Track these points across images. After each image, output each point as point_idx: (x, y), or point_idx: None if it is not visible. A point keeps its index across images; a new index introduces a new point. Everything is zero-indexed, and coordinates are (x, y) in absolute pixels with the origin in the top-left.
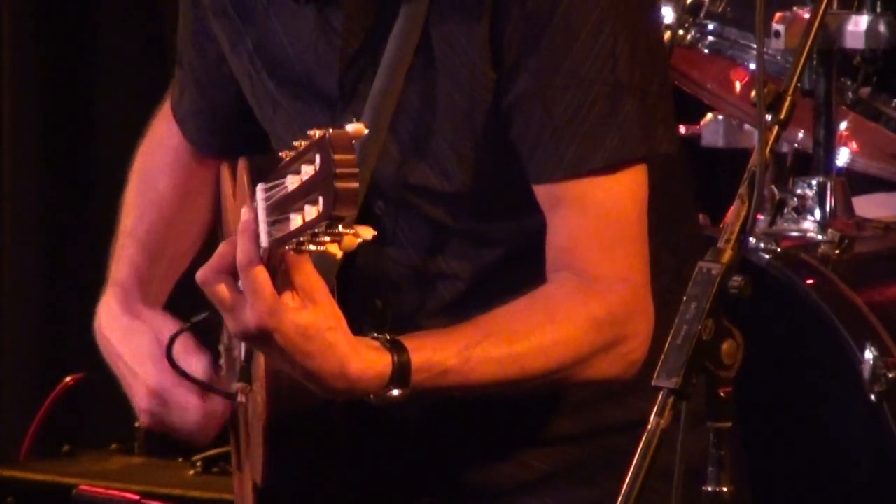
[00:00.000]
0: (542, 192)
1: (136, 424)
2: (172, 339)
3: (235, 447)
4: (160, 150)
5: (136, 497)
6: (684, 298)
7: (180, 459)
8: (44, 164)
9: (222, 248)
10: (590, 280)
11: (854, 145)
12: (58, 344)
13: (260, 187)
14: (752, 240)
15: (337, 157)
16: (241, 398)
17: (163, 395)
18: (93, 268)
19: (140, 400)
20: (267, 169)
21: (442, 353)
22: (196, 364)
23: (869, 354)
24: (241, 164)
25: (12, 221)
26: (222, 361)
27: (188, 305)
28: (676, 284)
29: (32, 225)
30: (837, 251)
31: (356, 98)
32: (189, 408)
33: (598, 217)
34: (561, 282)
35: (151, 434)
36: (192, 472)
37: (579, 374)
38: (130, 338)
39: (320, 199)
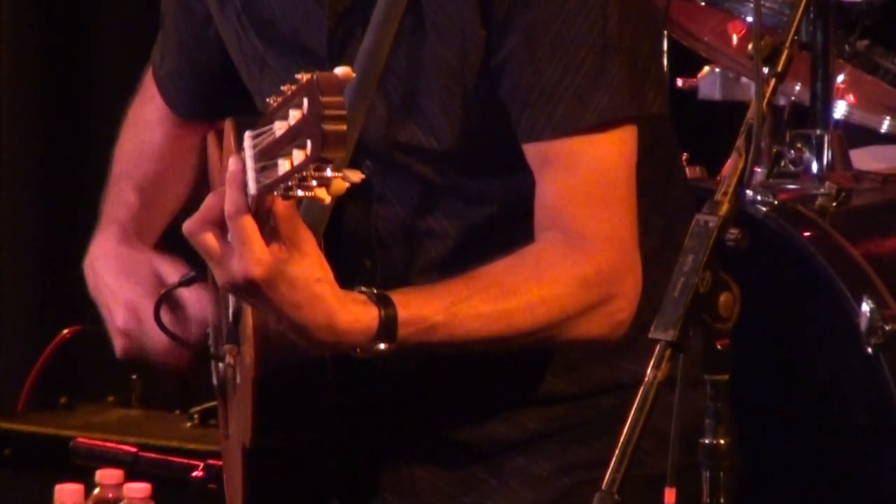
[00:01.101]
0: (531, 150)
1: (133, 377)
2: (161, 298)
3: (224, 414)
4: (153, 104)
5: (133, 449)
6: (682, 251)
7: (177, 412)
8: (42, 114)
9: (210, 199)
10: (578, 239)
11: (851, 98)
12: (55, 296)
13: (247, 135)
14: (749, 192)
15: (325, 99)
16: (229, 360)
17: (138, 311)
18: (90, 221)
19: (116, 317)
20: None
21: (429, 307)
22: (183, 324)
23: (866, 307)
24: (228, 124)
25: (10, 174)
26: (210, 330)
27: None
28: (665, 244)
29: (29, 177)
30: (834, 204)
31: (345, 57)
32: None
33: (586, 176)
34: (549, 240)
35: (149, 386)
36: (189, 424)
37: (566, 333)
38: (126, 266)
39: (308, 142)
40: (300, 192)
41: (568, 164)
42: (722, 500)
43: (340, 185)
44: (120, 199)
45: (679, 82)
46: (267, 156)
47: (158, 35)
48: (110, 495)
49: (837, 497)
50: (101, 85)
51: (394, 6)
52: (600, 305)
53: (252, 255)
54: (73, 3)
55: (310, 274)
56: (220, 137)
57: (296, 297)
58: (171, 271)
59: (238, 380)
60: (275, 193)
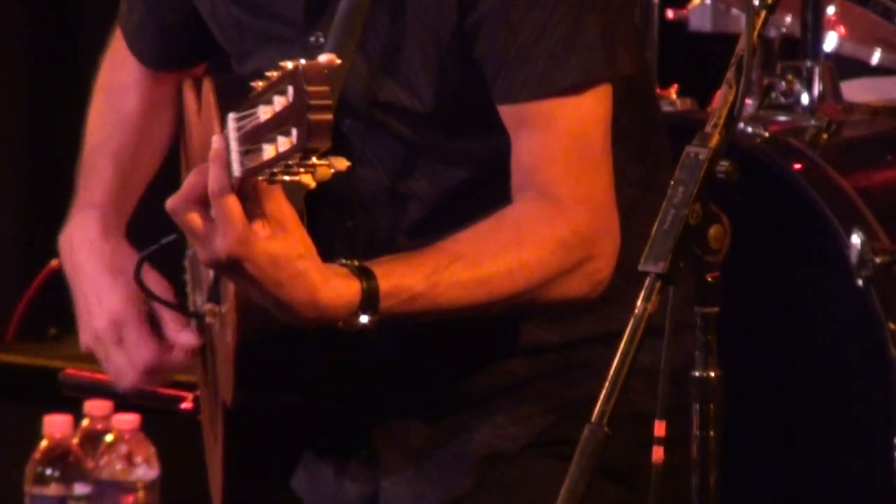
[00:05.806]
0: (506, 112)
1: None
2: (142, 260)
3: (202, 362)
4: (125, 65)
5: None
6: (672, 183)
7: None
8: (28, 50)
9: (192, 177)
10: (555, 200)
11: (842, 30)
12: (44, 227)
13: (231, 116)
14: (740, 125)
15: (310, 88)
16: (209, 319)
17: (120, 328)
18: (79, 152)
19: (97, 322)
20: (232, 91)
21: (410, 278)
22: (159, 289)
23: (856, 239)
24: (207, 85)
25: None
26: (187, 277)
27: (147, 231)
28: (647, 194)
29: (17, 109)
30: (825, 136)
31: (322, 16)
32: (144, 345)
33: (562, 137)
34: (526, 202)
35: None
36: None
37: (546, 295)
38: (112, 266)
39: (294, 130)
40: (286, 178)
41: (544, 125)
42: (711, 433)
43: (325, 172)
44: (98, 175)
45: (670, 14)
46: (251, 140)
47: None
48: (99, 426)
49: (827, 429)
50: (88, 24)
51: None
52: (579, 266)
53: (235, 233)
54: None
55: (292, 251)
56: (197, 86)
57: (279, 275)
58: (154, 282)
59: (219, 338)
60: (259, 178)
